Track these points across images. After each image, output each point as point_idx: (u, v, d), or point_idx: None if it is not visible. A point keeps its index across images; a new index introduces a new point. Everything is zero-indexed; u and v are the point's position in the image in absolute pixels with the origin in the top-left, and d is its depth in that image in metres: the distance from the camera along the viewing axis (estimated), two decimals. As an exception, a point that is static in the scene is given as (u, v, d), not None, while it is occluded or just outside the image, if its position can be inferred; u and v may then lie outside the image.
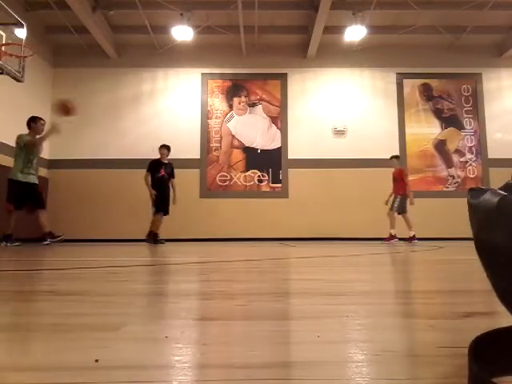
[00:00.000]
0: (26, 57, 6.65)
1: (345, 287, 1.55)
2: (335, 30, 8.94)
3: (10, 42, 6.44)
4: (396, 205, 7.47)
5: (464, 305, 1.15)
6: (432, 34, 9.20)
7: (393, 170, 7.83)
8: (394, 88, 9.69)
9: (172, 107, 9.52)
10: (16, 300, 1.28)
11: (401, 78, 9.69)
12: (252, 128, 9.57)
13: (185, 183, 7.03)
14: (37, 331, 0.84)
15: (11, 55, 6.29)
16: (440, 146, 9.61)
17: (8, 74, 6.29)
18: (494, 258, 0.53)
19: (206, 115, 9.56)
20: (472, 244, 0.58)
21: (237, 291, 1.45)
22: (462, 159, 9.58)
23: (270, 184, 9.43)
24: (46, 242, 5.90)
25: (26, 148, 5.88)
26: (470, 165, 9.56)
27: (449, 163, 9.56)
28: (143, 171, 7.07)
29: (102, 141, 9.32)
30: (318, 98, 9.65)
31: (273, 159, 9.47)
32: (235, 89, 9.66)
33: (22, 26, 6.51)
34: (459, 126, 9.66)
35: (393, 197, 7.62)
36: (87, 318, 0.96)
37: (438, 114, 9.71)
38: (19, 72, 6.54)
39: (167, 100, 9.53)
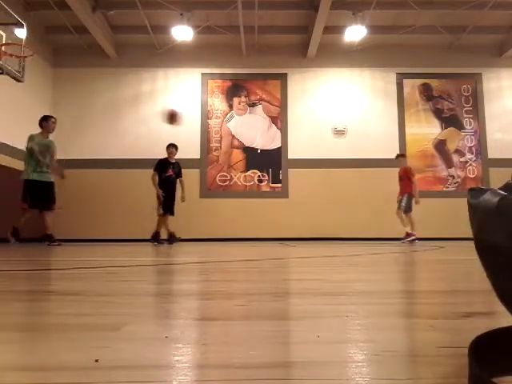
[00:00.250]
0: (25, 57, 6.65)
1: (345, 287, 1.55)
2: (335, 29, 8.94)
3: (9, 41, 6.43)
4: (404, 204, 7.36)
5: (464, 305, 1.15)
6: (432, 34, 9.19)
7: (397, 169, 7.66)
8: (393, 88, 9.68)
9: (172, 107, 9.49)
10: (16, 300, 1.28)
11: (401, 77, 9.69)
12: (252, 128, 9.56)
13: (185, 183, 7.01)
14: (37, 331, 0.84)
15: (11, 55, 6.28)
16: (440, 146, 9.61)
17: (8, 74, 6.28)
18: (493, 258, 0.53)
19: (205, 115, 9.55)
20: (472, 244, 0.58)
21: (237, 291, 1.46)
22: (461, 159, 9.57)
23: (270, 184, 9.43)
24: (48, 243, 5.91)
25: (29, 151, 5.89)
26: (470, 165, 9.56)
27: (449, 163, 9.56)
28: (143, 171, 7.04)
29: (102, 141, 9.32)
30: (318, 98, 9.65)
31: (273, 159, 9.47)
32: (235, 89, 9.66)
33: (22, 25, 6.50)
34: (459, 126, 9.66)
35: (399, 196, 7.53)
36: (87, 318, 0.96)
37: (437, 113, 9.70)
38: (19, 72, 6.54)
39: (167, 100, 9.52)
